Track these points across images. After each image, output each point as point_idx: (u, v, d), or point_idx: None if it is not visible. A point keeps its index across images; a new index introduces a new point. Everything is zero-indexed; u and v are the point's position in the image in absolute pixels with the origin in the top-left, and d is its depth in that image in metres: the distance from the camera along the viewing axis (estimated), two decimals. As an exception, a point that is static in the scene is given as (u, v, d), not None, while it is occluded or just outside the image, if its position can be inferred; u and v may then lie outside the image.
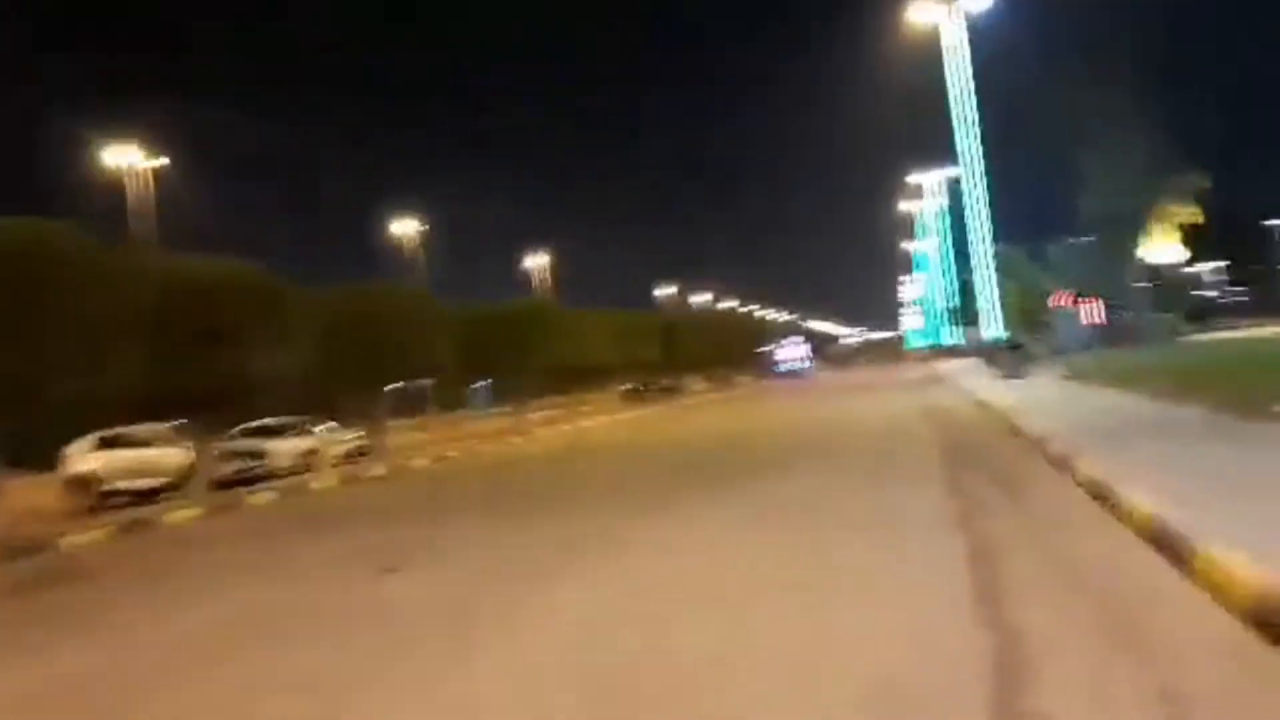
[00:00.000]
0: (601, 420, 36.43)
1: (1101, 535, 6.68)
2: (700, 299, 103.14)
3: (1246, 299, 79.69)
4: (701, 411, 37.09)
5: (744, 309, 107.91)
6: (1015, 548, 6.68)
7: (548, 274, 62.44)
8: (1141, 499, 6.76)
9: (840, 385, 46.81)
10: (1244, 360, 20.55)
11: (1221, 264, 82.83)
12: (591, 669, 5.03)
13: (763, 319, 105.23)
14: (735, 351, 69.77)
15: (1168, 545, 5.79)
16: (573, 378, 43.46)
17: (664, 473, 15.35)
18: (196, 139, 58.95)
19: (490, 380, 43.85)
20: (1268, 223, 41.99)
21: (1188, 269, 64.35)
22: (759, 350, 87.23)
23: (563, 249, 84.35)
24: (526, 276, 64.90)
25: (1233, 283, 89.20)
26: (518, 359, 33.37)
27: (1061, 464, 9.86)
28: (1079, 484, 8.70)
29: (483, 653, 5.58)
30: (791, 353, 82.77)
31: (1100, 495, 7.80)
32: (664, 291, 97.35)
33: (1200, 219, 51.02)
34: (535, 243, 66.12)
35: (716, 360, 66.67)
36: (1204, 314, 68.01)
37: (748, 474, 13.11)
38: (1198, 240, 55.59)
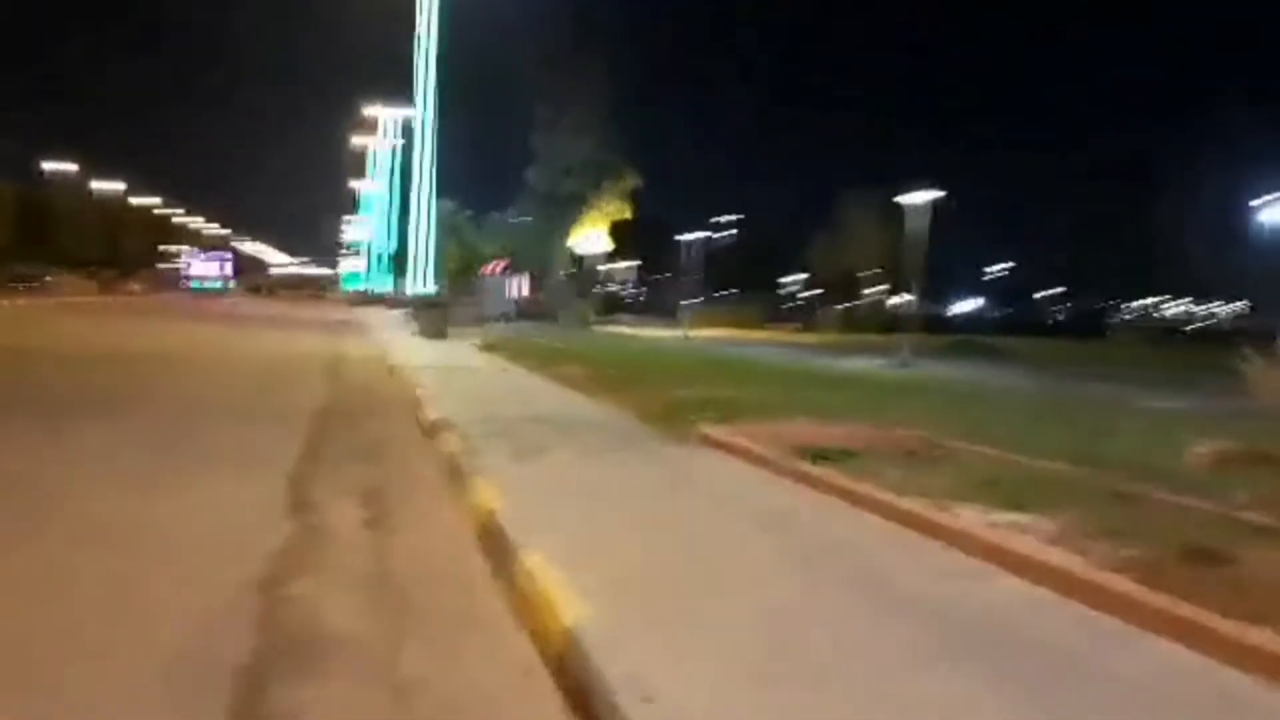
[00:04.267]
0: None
1: (480, 643, 3.92)
2: (111, 187, 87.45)
3: (645, 299, 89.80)
4: (56, 317, 29.38)
5: (168, 212, 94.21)
6: (339, 649, 3.67)
7: None
8: (550, 580, 4.16)
9: (254, 314, 41.38)
10: (654, 360, 20.58)
11: (635, 263, 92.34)
12: None
13: (182, 225, 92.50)
14: (136, 254, 59.31)
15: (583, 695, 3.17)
16: None
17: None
18: None
19: None
20: (682, 237, 45.89)
21: (608, 263, 69.68)
22: (169, 258, 76.27)
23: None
24: None
25: (640, 283, 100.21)
26: None
27: (455, 471, 7.22)
28: (470, 512, 6.05)
29: None
30: (208, 268, 73.78)
31: (495, 543, 5.17)
32: (58, 167, 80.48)
33: (629, 216, 54.86)
34: None
35: (109, 260, 55.86)
36: (611, 307, 74.64)
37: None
38: (620, 236, 59.99)
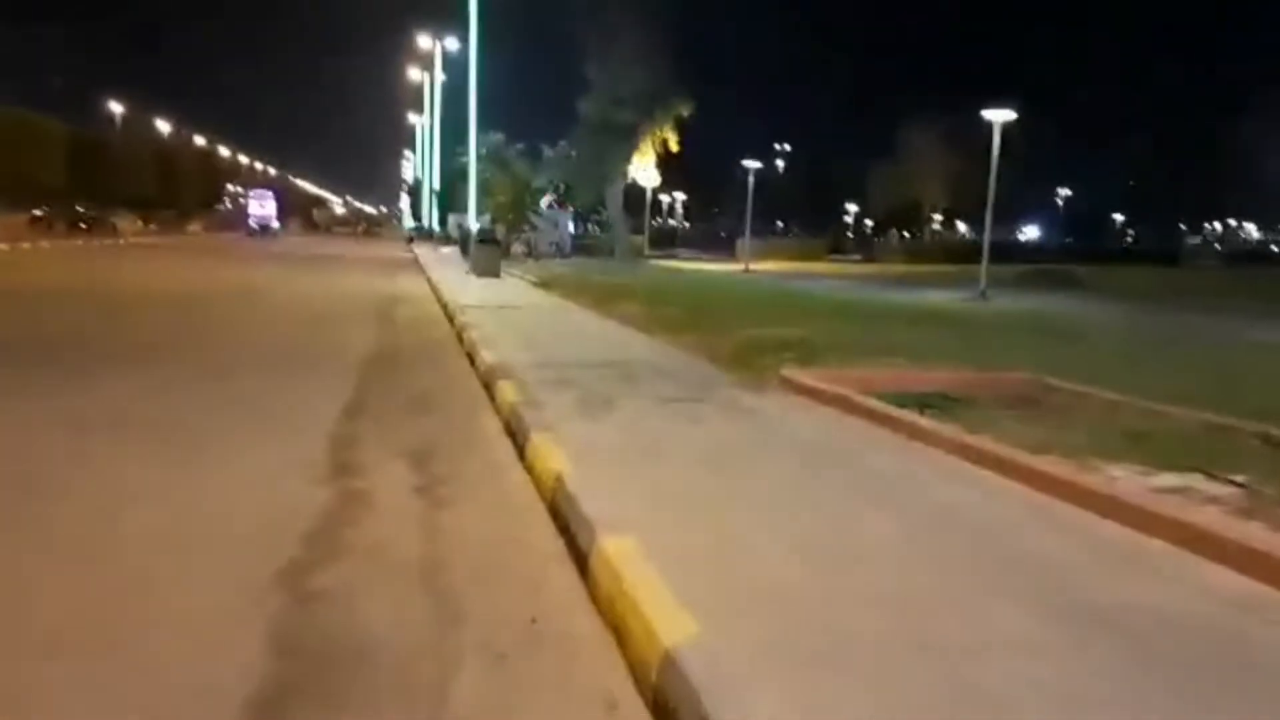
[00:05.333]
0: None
1: (552, 662, 3.12)
2: (163, 126, 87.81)
3: (698, 231, 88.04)
4: (115, 257, 29.18)
5: (219, 151, 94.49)
6: (374, 669, 2.90)
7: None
8: (639, 579, 3.34)
9: (307, 253, 41.00)
10: (717, 296, 19.64)
11: (682, 195, 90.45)
12: None
13: (236, 164, 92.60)
14: (191, 194, 59.23)
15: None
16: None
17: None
18: None
19: None
20: (747, 163, 43.98)
21: (660, 195, 68.05)
22: (224, 197, 76.41)
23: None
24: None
25: (689, 214, 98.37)
26: None
27: (515, 426, 6.43)
28: (534, 477, 5.27)
29: None
30: (260, 208, 73.78)
31: (565, 520, 4.37)
32: (113, 107, 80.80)
33: (677, 146, 52.99)
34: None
35: (162, 201, 55.79)
36: (666, 240, 73.26)
37: None
38: (670, 167, 58.13)
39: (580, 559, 3.92)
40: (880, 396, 7.02)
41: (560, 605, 3.57)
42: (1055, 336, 13.06)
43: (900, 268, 47.93)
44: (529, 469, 5.47)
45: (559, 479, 4.83)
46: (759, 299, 19.05)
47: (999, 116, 23.46)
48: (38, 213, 47.63)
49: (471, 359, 9.94)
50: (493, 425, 6.84)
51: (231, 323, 13.45)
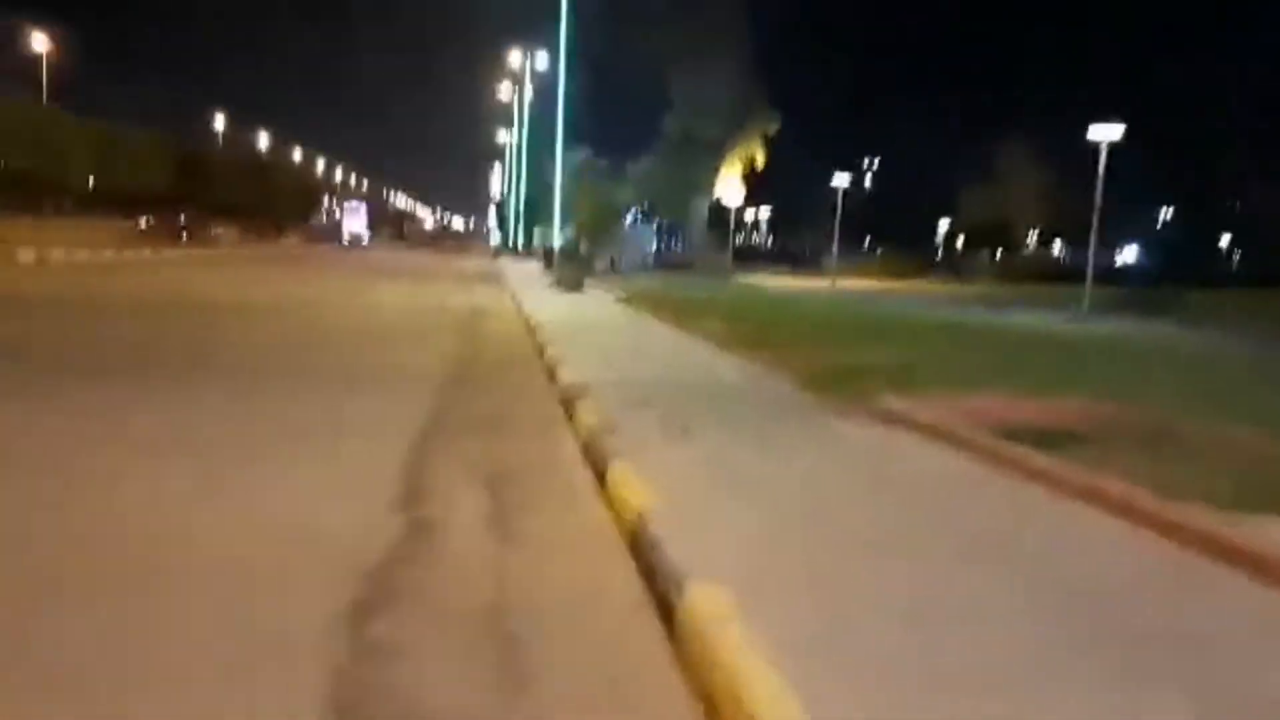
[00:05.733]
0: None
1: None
2: (261, 140, 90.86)
3: (782, 248, 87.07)
4: (214, 270, 30.00)
5: (314, 165, 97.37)
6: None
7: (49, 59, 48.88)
8: (740, 649, 2.95)
9: (397, 265, 41.65)
10: (803, 314, 19.10)
11: (767, 209, 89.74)
12: None
13: (326, 179, 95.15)
14: (284, 206, 60.98)
15: None
16: (32, 195, 33.28)
17: None
18: None
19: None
20: (835, 183, 43.15)
21: (745, 211, 67.47)
22: (317, 210, 78.40)
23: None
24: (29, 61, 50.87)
25: (771, 229, 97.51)
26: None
27: (593, 451, 6.09)
28: (614, 510, 4.91)
29: None
30: (353, 222, 75.60)
31: (648, 562, 4.01)
32: (216, 122, 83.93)
33: (763, 161, 52.48)
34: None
35: (259, 211, 57.46)
36: (749, 256, 72.56)
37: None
38: (755, 183, 57.57)
39: (666, 610, 3.54)
40: (984, 428, 6.49)
41: (645, 670, 3.19)
42: (1165, 364, 12.22)
43: (989, 288, 46.47)
44: (608, 500, 5.12)
45: (641, 515, 4.47)
46: (844, 318, 18.46)
47: (1105, 135, 22.40)
48: (142, 224, 49.38)
49: (551, 375, 9.66)
50: (571, 448, 6.51)
51: (311, 329, 13.46)
